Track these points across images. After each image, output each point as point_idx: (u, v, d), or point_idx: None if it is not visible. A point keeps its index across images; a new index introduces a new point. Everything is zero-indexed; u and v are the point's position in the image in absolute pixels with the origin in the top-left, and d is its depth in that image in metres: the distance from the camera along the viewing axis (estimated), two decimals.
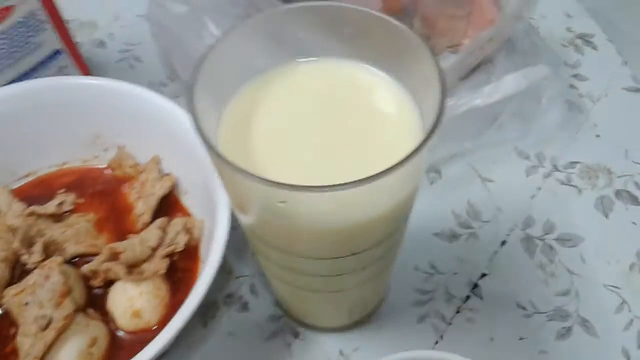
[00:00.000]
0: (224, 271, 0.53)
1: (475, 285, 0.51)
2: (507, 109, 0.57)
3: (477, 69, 0.56)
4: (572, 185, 0.56)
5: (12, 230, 0.48)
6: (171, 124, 0.50)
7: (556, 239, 0.53)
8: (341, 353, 0.48)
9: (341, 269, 0.37)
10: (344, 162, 0.32)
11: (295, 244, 0.34)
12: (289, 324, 0.50)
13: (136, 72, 0.66)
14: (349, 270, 0.38)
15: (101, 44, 0.69)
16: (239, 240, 0.53)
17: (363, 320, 0.49)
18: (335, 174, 0.29)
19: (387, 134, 0.33)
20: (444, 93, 0.30)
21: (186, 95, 0.30)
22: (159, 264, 0.47)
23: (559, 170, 0.57)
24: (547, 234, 0.53)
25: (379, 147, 0.33)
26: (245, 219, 0.36)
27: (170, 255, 0.48)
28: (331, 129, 0.34)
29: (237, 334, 0.49)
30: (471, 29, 0.56)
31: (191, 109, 0.30)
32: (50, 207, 0.51)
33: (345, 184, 0.27)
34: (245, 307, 0.51)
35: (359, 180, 0.27)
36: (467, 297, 0.50)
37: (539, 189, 0.56)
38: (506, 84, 0.51)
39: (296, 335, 0.49)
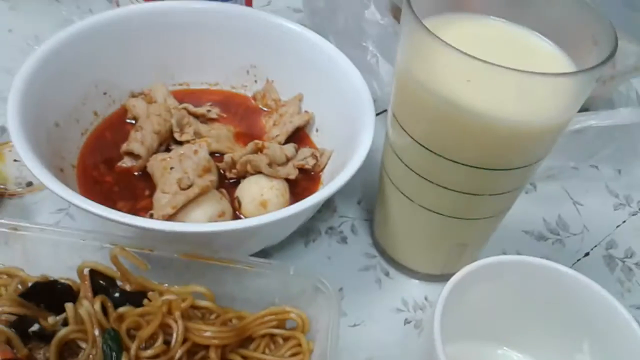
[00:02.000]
0: (329, 209, 0.58)
1: None
2: (606, 149, 0.63)
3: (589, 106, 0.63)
4: None
5: (168, 111, 0.55)
6: (323, 66, 0.56)
7: (635, 264, 0.57)
8: (426, 299, 0.51)
9: (481, 186, 0.42)
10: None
11: (456, 143, 0.39)
12: (381, 264, 0.54)
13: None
14: (485, 191, 0.42)
15: None
16: (349, 190, 0.58)
17: (451, 277, 0.53)
18: None
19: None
20: (616, 41, 0.36)
21: None
22: (291, 170, 0.52)
23: None
24: (627, 257, 0.57)
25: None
26: (407, 121, 0.42)
27: (298, 168, 0.53)
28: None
29: (334, 260, 0.53)
30: None
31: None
32: (201, 109, 0.57)
33: (532, 72, 0.33)
34: (344, 240, 0.55)
35: (547, 73, 0.33)
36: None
37: (624, 222, 0.61)
38: (621, 114, 0.57)
39: (387, 274, 0.53)
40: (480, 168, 0.41)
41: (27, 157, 0.42)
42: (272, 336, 0.42)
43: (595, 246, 0.58)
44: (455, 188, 0.43)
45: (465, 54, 0.35)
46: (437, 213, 0.46)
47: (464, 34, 0.42)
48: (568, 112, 0.39)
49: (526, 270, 0.40)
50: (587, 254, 0.57)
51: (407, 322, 0.50)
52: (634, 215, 0.62)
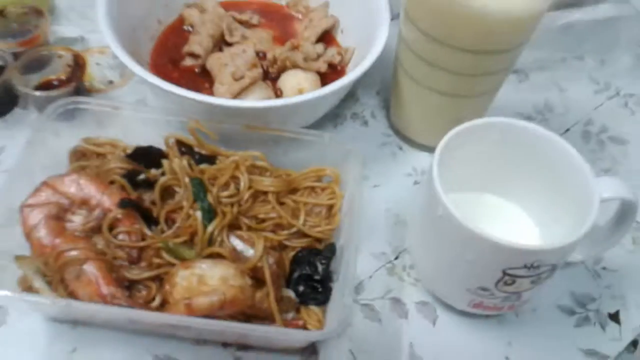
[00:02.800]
0: (353, 98, 0.70)
1: None
2: (591, 41, 0.73)
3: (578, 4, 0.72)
4: (627, 108, 0.72)
5: (220, 18, 0.66)
6: None
7: (608, 137, 0.69)
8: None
9: (474, 67, 0.54)
10: None
11: (455, 31, 0.51)
12: (396, 141, 0.66)
13: None
14: (477, 72, 0.54)
15: None
16: (369, 83, 0.70)
17: None
18: None
19: None
20: None
21: None
22: (322, 64, 0.64)
23: (619, 96, 0.73)
24: (601, 132, 0.69)
25: None
26: (417, 16, 0.53)
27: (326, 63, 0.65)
28: None
29: (357, 138, 0.66)
30: None
31: None
32: (245, 16, 0.69)
33: None
34: (365, 123, 0.68)
35: None
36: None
37: (602, 104, 0.72)
38: (603, 9, 0.67)
39: (400, 148, 0.66)
40: (473, 51, 0.52)
41: (121, 55, 0.55)
42: (312, 188, 0.56)
43: (575, 124, 0.70)
44: (454, 69, 0.55)
45: None
46: (440, 92, 0.58)
47: None
48: (539, 4, 0.50)
49: (507, 129, 0.51)
50: (567, 130, 0.69)
51: (415, 183, 0.63)
52: (610, 98, 0.73)
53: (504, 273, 0.46)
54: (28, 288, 0.48)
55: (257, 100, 0.59)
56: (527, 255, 0.44)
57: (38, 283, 0.48)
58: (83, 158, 0.55)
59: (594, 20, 0.68)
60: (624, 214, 0.50)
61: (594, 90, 0.74)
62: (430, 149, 0.65)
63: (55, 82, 0.63)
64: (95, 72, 0.68)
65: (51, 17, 0.73)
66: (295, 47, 0.63)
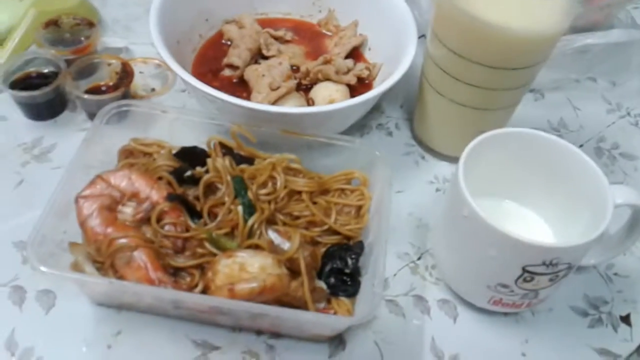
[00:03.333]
0: (378, 110, 0.74)
1: None
2: (602, 65, 0.78)
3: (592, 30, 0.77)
4: (638, 127, 0.76)
5: (257, 33, 0.71)
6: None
7: (619, 153, 0.73)
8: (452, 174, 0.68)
9: (496, 82, 0.58)
10: None
11: (477, 48, 0.55)
12: (419, 150, 0.71)
13: None
14: (499, 86, 0.58)
15: None
16: (394, 96, 0.74)
17: None
18: None
19: None
20: None
21: None
22: (352, 78, 0.69)
23: (630, 116, 0.77)
24: (613, 149, 0.73)
25: None
26: (443, 34, 0.58)
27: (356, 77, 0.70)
28: None
29: (382, 147, 0.69)
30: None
31: None
32: (279, 32, 0.74)
33: None
34: (390, 134, 0.72)
35: None
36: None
37: (614, 122, 0.76)
38: (615, 34, 0.72)
39: (423, 157, 0.70)
40: (495, 68, 0.57)
41: (171, 63, 0.59)
42: (342, 190, 0.60)
43: (588, 140, 0.74)
44: (477, 84, 0.59)
45: None
46: (463, 105, 0.62)
47: None
48: (559, 25, 0.54)
49: (527, 139, 0.55)
50: (581, 146, 0.73)
51: (437, 190, 0.67)
52: (622, 118, 0.77)
53: (524, 270, 0.49)
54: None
55: (292, 107, 0.64)
56: (546, 252, 0.47)
57: (89, 268, 0.52)
58: (131, 156, 0.59)
59: (607, 44, 0.72)
60: (635, 221, 0.53)
61: (606, 110, 0.78)
62: (452, 159, 0.70)
63: (104, 88, 0.68)
64: (138, 81, 0.73)
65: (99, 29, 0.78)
66: (327, 62, 0.68)
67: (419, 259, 0.61)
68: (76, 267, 0.52)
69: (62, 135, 0.66)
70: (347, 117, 0.65)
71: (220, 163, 0.56)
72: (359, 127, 0.72)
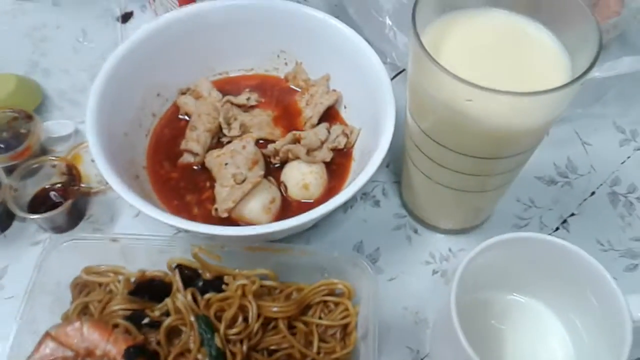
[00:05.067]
0: None
1: (565, 221, 0.63)
2: (614, 90, 0.68)
3: None
4: None
5: (215, 109, 0.63)
6: (346, 48, 0.62)
7: (637, 198, 0.64)
8: (450, 250, 0.61)
9: (484, 169, 0.50)
10: (513, 85, 0.44)
11: (462, 141, 0.47)
12: (410, 222, 0.63)
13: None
14: (489, 173, 0.50)
15: None
16: None
17: (471, 229, 0.62)
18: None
19: (545, 73, 0.46)
20: (600, 49, 0.42)
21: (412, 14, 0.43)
22: (326, 154, 0.60)
23: None
24: (630, 192, 0.65)
25: (538, 80, 0.45)
26: (421, 119, 0.49)
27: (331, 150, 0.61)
28: (503, 61, 0.46)
29: (369, 222, 0.63)
30: (597, 16, 0.67)
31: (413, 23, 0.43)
32: (241, 99, 0.65)
33: (522, 93, 0.40)
34: (377, 204, 0.64)
35: (536, 92, 0.40)
36: (557, 228, 0.62)
37: (629, 157, 0.68)
38: (623, 63, 0.62)
39: (415, 231, 0.62)
40: (481, 158, 0.48)
41: (106, 174, 0.52)
42: (325, 303, 0.53)
43: (601, 185, 0.66)
44: (462, 171, 0.51)
45: (465, 81, 0.41)
46: (452, 188, 0.54)
47: (467, 34, 0.48)
48: (558, 109, 0.45)
49: (532, 243, 0.48)
50: (593, 193, 0.65)
51: (434, 272, 0.60)
52: (638, 150, 0.68)
53: None
54: None
55: (258, 207, 0.57)
56: None
57: None
58: (86, 289, 0.53)
59: (617, 76, 0.63)
60: None
61: (620, 141, 0.69)
62: (449, 232, 0.62)
63: (52, 194, 0.61)
64: (90, 170, 0.65)
65: (43, 108, 0.70)
66: (297, 140, 0.60)
67: None
68: None
69: (13, 253, 0.60)
70: (324, 215, 0.58)
71: (181, 302, 0.49)
72: None
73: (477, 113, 0.44)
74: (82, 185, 0.63)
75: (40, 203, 0.61)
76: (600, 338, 0.47)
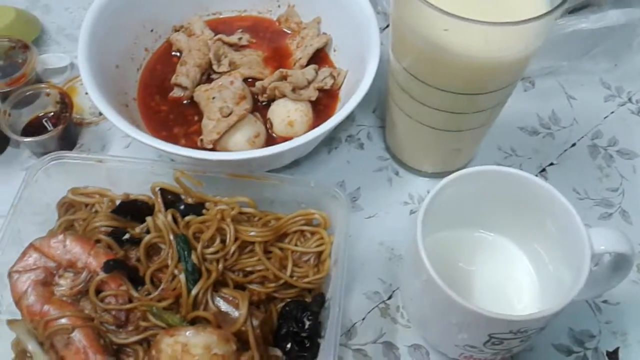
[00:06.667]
0: (348, 118, 0.67)
1: (543, 170, 0.64)
2: (602, 45, 0.69)
3: (586, 7, 0.68)
4: (639, 115, 0.68)
5: (206, 45, 0.64)
6: None
7: (617, 151, 0.65)
8: (428, 192, 0.62)
9: (464, 107, 0.51)
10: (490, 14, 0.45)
11: (443, 77, 0.48)
12: (392, 165, 0.64)
13: None
14: (469, 110, 0.52)
15: None
16: (365, 101, 0.67)
17: (450, 173, 0.63)
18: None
19: (522, 6, 0.47)
20: None
21: None
22: (312, 92, 0.62)
23: (631, 103, 0.69)
24: (610, 146, 0.66)
25: (515, 13, 0.46)
26: (403, 57, 0.50)
27: (317, 90, 0.63)
28: None
29: (352, 164, 0.64)
30: None
31: None
32: (233, 38, 0.67)
33: (496, 22, 0.41)
34: (361, 146, 0.66)
35: (510, 22, 0.41)
36: (535, 176, 0.63)
37: (612, 112, 0.68)
38: (611, 16, 0.63)
39: (397, 173, 0.64)
40: (462, 94, 0.50)
41: (97, 100, 0.54)
42: (301, 232, 0.55)
43: (582, 137, 0.67)
44: (444, 109, 0.52)
45: (441, 10, 0.42)
46: (433, 128, 0.55)
47: None
48: (532, 45, 0.46)
49: (499, 177, 0.49)
50: (573, 145, 0.66)
51: (412, 212, 0.61)
52: (622, 105, 0.69)
53: (490, 336, 0.45)
54: (22, 351, 0.49)
55: (243, 141, 0.58)
56: (512, 324, 0.43)
57: (31, 346, 0.49)
58: (72, 209, 0.55)
59: (603, 27, 0.63)
60: (618, 265, 0.48)
61: (605, 97, 0.70)
62: (429, 175, 0.64)
63: (45, 120, 0.63)
64: (84, 103, 0.67)
65: (41, 41, 0.72)
66: (284, 77, 0.61)
67: (389, 297, 0.56)
68: (18, 346, 0.50)
69: (4, 177, 0.62)
70: (308, 147, 0.59)
71: (161, 221, 0.51)
72: (327, 140, 0.65)
73: (454, 45, 0.45)
74: (76, 115, 0.65)
75: (34, 130, 0.63)
76: (562, 265, 0.48)
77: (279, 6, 0.69)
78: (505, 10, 0.46)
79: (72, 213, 0.55)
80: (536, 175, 0.62)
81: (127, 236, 0.51)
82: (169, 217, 0.51)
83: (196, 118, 0.62)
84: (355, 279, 0.57)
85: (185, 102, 0.63)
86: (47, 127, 0.63)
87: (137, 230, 0.52)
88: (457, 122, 0.54)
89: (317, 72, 0.64)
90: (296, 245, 0.54)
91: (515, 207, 0.51)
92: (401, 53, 0.51)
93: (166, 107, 0.63)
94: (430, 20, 0.44)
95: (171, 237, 0.50)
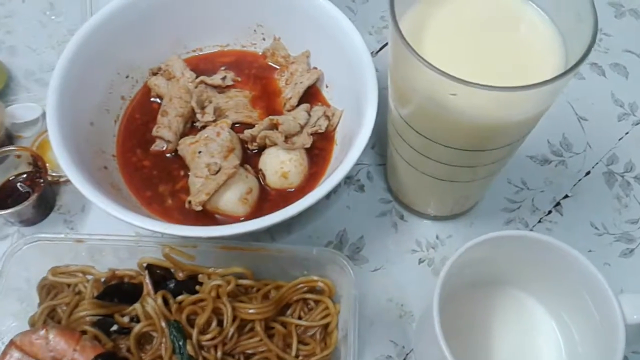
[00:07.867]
0: None
1: (558, 204, 0.60)
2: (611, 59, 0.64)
3: None
4: None
5: (188, 92, 0.59)
6: (326, 23, 0.58)
7: (634, 177, 0.61)
8: (437, 237, 0.58)
9: (471, 161, 0.46)
10: (501, 74, 0.41)
11: (446, 134, 0.43)
12: (396, 208, 0.60)
13: None
14: (476, 164, 0.47)
15: None
16: None
17: (459, 215, 0.59)
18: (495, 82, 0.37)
19: (536, 59, 0.42)
20: (596, 31, 0.38)
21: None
22: (306, 139, 0.57)
23: None
24: (627, 172, 0.62)
25: (528, 70, 0.41)
26: (403, 109, 0.45)
27: (311, 135, 0.58)
28: (491, 47, 0.42)
29: (353, 208, 0.60)
30: None
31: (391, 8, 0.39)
32: (216, 79, 0.61)
33: (507, 87, 0.36)
34: (361, 188, 0.61)
35: (525, 86, 0.36)
36: (549, 212, 0.59)
37: (627, 133, 0.64)
38: None
39: (402, 217, 0.60)
40: (467, 150, 0.45)
41: (73, 178, 0.49)
42: (304, 300, 0.51)
43: (597, 163, 0.62)
44: (447, 162, 0.47)
45: (448, 75, 0.37)
46: (437, 178, 0.51)
47: (450, 18, 0.44)
48: (545, 103, 0.42)
49: (520, 241, 0.45)
50: (588, 173, 0.62)
51: (420, 261, 0.57)
52: (636, 125, 0.65)
53: None
54: None
55: (235, 199, 0.54)
56: None
57: None
58: (54, 290, 0.51)
59: None
60: None
61: (617, 115, 0.65)
62: (436, 218, 0.59)
63: (19, 185, 0.58)
64: None
65: (8, 90, 0.67)
66: (274, 126, 0.56)
67: None
68: None
69: None
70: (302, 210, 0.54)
71: (151, 306, 0.47)
72: None
73: (461, 106, 0.40)
74: (53, 173, 0.60)
75: (7, 195, 0.58)
76: (593, 340, 0.45)
77: (263, 39, 0.63)
78: (518, 66, 0.42)
79: (53, 295, 0.51)
80: (550, 211, 0.60)
81: (114, 328, 0.47)
82: (159, 301, 0.47)
83: (182, 173, 0.57)
84: (365, 343, 0.53)
85: (168, 155, 0.58)
86: (21, 189, 0.58)
87: (126, 317, 0.47)
88: (464, 174, 0.49)
89: (309, 114, 0.59)
90: (300, 316, 0.50)
91: (542, 269, 0.47)
92: (400, 104, 0.46)
93: (149, 162, 0.58)
94: (435, 83, 0.40)
95: (163, 324, 0.46)
